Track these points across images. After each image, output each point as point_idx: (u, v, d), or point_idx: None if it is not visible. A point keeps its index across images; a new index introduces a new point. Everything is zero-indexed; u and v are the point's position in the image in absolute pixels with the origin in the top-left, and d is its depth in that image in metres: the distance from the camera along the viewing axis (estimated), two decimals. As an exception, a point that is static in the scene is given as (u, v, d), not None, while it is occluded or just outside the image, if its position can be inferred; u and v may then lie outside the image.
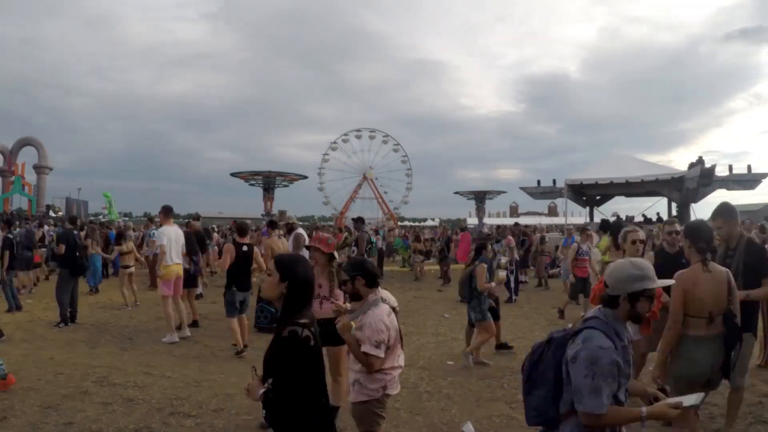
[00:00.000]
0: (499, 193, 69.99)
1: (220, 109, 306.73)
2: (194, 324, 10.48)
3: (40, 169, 47.27)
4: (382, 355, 3.86)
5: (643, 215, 28.09)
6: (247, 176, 64.36)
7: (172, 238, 9.60)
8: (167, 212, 9.92)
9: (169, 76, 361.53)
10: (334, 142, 71.23)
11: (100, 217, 42.32)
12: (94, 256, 15.45)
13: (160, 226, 10.05)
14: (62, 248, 10.72)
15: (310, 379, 2.79)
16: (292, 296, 2.85)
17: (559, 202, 38.16)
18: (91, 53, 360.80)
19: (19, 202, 42.77)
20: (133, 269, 13.28)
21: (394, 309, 4.16)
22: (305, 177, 66.71)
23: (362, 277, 4.08)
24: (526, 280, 17.95)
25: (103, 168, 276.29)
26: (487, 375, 7.39)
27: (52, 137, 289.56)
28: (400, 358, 4.18)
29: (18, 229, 14.57)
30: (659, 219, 26.46)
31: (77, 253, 10.96)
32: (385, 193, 72.08)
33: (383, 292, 4.18)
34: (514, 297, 14.04)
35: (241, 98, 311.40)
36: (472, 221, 60.86)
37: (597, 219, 29.66)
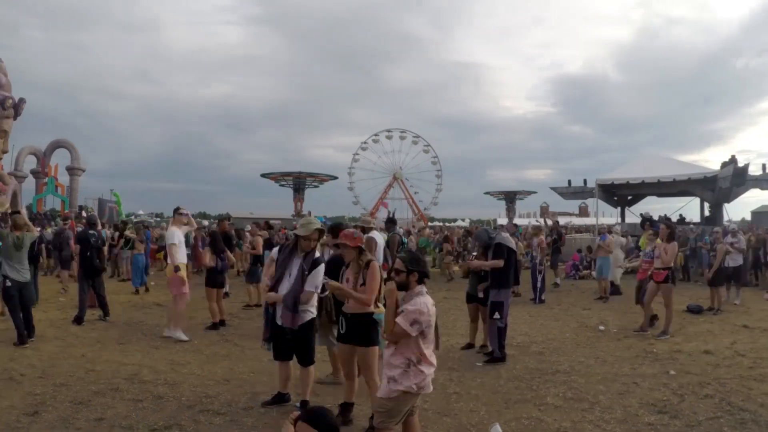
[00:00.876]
0: (529, 193, 69.69)
1: (258, 111, 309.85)
2: (222, 323, 10.58)
3: (72, 170, 48.01)
4: (413, 333, 4.07)
5: (681, 215, 27.72)
6: (278, 177, 64.80)
7: (181, 239, 9.82)
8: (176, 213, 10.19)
9: (211, 79, 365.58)
10: (365, 142, 71.35)
11: (132, 217, 42.89)
12: (137, 256, 15.66)
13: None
14: (77, 248, 10.81)
15: None
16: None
17: (590, 202, 37.80)
18: (134, 57, 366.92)
19: (52, 202, 43.60)
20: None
21: None
22: (335, 177, 66.97)
23: (417, 273, 4.31)
24: (558, 282, 17.73)
25: (140, 170, 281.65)
26: (516, 377, 7.33)
27: (92, 140, 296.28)
28: (432, 357, 4.27)
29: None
30: (681, 220, 26.11)
31: (89, 253, 10.93)
32: (416, 193, 71.90)
33: (429, 298, 4.34)
34: (541, 297, 13.91)
35: (279, 101, 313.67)
36: (502, 221, 60.51)
37: (628, 219, 29.33)
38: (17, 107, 39.76)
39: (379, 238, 11.26)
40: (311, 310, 5.96)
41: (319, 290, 5.91)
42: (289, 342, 5.93)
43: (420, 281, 4.32)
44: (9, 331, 9.18)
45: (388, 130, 70.90)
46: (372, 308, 5.49)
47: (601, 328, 10.32)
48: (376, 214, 61.50)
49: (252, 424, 5.66)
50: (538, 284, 14.03)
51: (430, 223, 57.52)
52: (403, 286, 4.33)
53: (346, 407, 5.76)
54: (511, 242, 8.41)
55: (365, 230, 11.47)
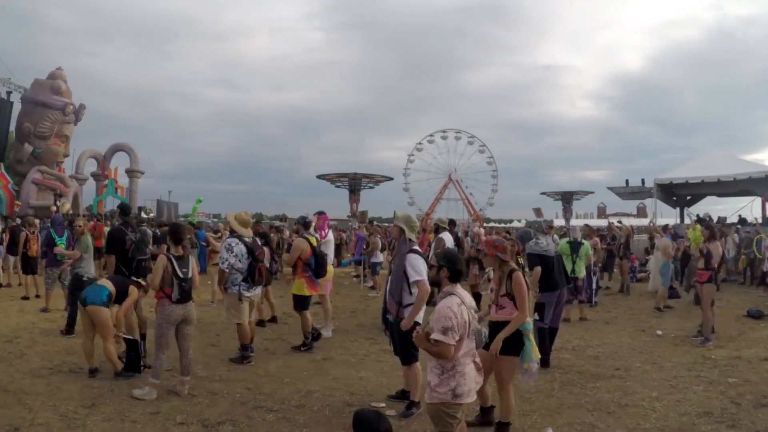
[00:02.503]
0: (586, 193, 68.40)
1: (330, 115, 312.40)
2: (273, 320, 10.95)
3: (131, 173, 49.28)
4: (452, 341, 3.93)
5: (740, 216, 26.84)
6: (333, 178, 65.13)
7: None
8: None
9: (287, 84, 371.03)
10: (420, 143, 71.04)
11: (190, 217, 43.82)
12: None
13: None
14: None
15: None
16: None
17: (648, 202, 36.83)
18: (216, 64, 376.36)
19: (112, 203, 44.64)
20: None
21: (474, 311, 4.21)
22: (391, 179, 66.94)
23: (448, 270, 4.25)
24: (607, 285, 17.37)
25: (208, 172, 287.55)
26: (570, 381, 7.23)
27: (165, 143, 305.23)
28: (468, 360, 4.14)
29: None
30: (742, 221, 25.23)
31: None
32: (471, 194, 71.33)
33: (461, 291, 4.23)
34: (594, 300, 13.67)
35: (352, 105, 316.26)
36: (559, 222, 59.59)
37: (687, 220, 28.57)
38: (77, 113, 41.17)
39: (449, 238, 11.33)
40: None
41: (424, 277, 5.80)
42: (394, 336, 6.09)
43: (452, 279, 4.25)
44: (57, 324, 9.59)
45: (443, 131, 70.36)
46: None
47: (659, 332, 10.10)
48: (432, 215, 61.23)
49: (304, 422, 5.72)
50: (594, 286, 13.77)
51: (485, 224, 57.13)
52: (436, 283, 4.39)
53: (485, 411, 5.77)
54: (542, 247, 8.26)
55: (438, 230, 11.56)
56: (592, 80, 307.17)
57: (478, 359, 4.26)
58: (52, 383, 6.79)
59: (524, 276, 5.61)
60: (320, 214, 10.54)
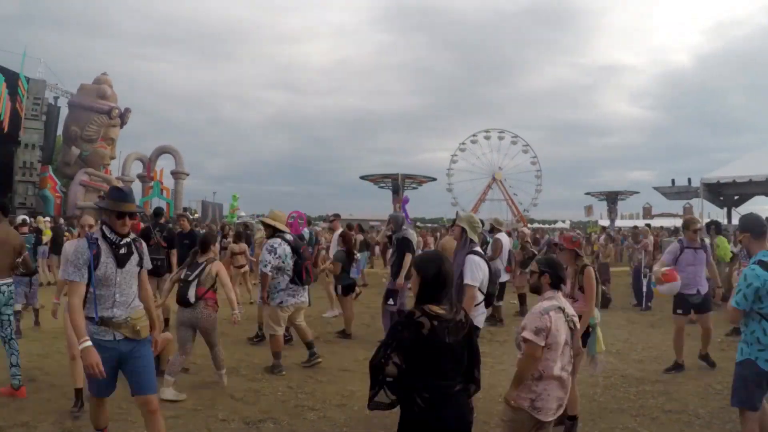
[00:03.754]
0: (631, 193, 67.03)
1: (386, 116, 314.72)
2: None
3: (177, 174, 50.08)
4: (541, 342, 3.81)
5: None
6: (377, 179, 65.28)
7: None
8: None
9: (347, 86, 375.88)
10: (463, 143, 70.50)
11: (236, 218, 44.43)
12: None
13: None
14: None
15: (413, 360, 3.06)
16: (423, 289, 3.20)
17: (695, 203, 36.07)
18: (278, 67, 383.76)
19: (158, 205, 45.45)
20: (246, 267, 13.79)
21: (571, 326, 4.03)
22: (434, 179, 66.68)
23: (549, 276, 4.13)
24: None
25: (260, 173, 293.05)
26: (613, 385, 7.11)
27: (221, 145, 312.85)
28: (555, 376, 3.93)
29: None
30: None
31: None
32: (515, 195, 70.56)
33: (563, 300, 4.13)
34: (647, 303, 13.40)
35: (408, 106, 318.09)
36: (604, 223, 58.56)
37: (735, 221, 27.87)
38: (123, 116, 42.01)
39: (506, 240, 11.28)
40: (479, 316, 5.79)
41: (476, 284, 5.67)
42: None
43: (553, 286, 4.13)
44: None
45: (487, 131, 69.78)
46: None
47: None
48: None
49: (344, 421, 5.74)
50: (644, 289, 13.46)
51: (529, 225, 56.54)
52: (536, 289, 4.24)
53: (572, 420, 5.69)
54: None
55: (494, 230, 11.52)
56: (641, 80, 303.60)
57: (566, 375, 4.02)
58: (98, 380, 6.91)
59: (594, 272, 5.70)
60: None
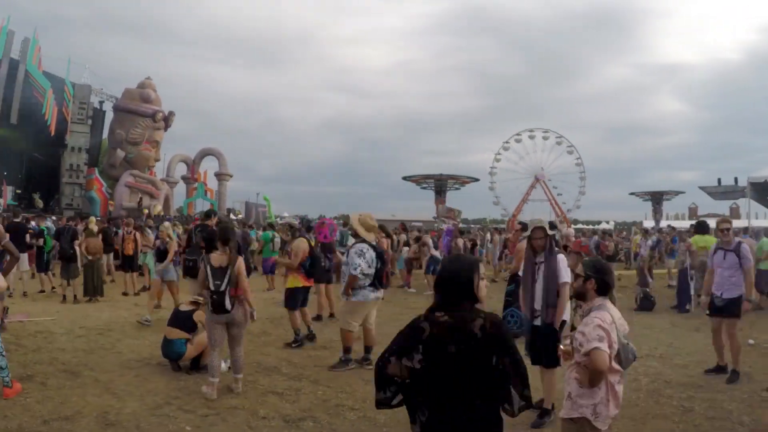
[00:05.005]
0: (677, 193, 65.91)
1: (442, 117, 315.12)
2: (332, 316, 11.15)
3: (220, 176, 50.76)
4: (607, 349, 3.57)
5: None
6: (419, 180, 65.28)
7: None
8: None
9: (405, 88, 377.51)
10: (507, 142, 69.42)
11: (278, 219, 44.86)
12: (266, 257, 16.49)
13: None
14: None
15: (420, 375, 2.87)
16: (437, 291, 3.01)
17: (742, 203, 35.25)
18: (337, 70, 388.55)
19: (202, 205, 46.03)
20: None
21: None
22: (477, 179, 66.45)
23: (596, 281, 3.87)
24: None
25: (309, 174, 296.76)
26: (656, 390, 6.97)
27: (275, 148, 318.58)
28: (613, 381, 3.83)
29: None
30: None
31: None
32: (559, 195, 69.37)
33: (612, 308, 3.86)
34: (688, 306, 13.11)
35: (467, 106, 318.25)
36: (649, 223, 57.43)
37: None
38: (167, 120, 42.71)
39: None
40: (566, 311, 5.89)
41: (569, 281, 5.65)
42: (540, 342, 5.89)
43: (600, 292, 3.86)
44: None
45: (531, 130, 68.61)
46: None
47: (751, 342, 9.60)
48: (518, 216, 59.97)
49: (384, 422, 5.74)
50: (691, 291, 13.13)
51: (573, 226, 55.72)
52: (580, 295, 3.98)
53: None
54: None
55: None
56: (698, 80, 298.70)
57: (619, 388, 3.89)
58: (141, 375, 7.08)
59: None
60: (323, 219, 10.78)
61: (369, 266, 7.55)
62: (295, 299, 8.97)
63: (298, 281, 9.05)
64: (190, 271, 9.60)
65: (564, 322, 5.84)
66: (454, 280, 2.94)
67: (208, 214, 10.73)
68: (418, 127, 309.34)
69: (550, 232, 6.01)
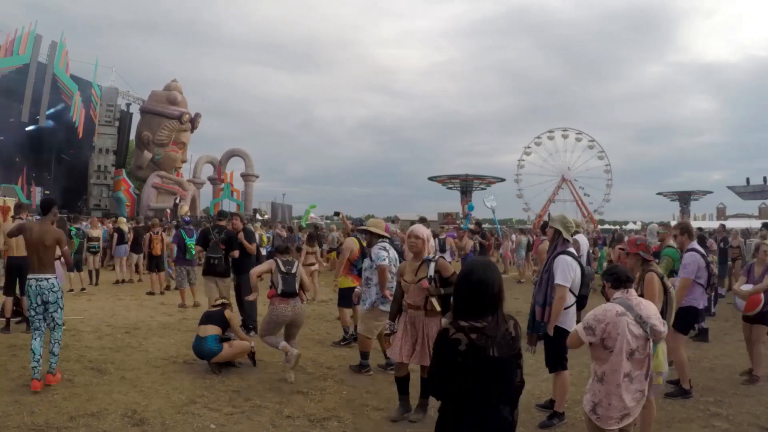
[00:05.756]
0: (705, 193, 64.95)
1: (479, 117, 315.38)
2: None
3: (246, 177, 51.28)
4: (583, 337, 3.92)
5: None
6: (445, 180, 65.11)
7: None
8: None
9: (442, 89, 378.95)
10: (528, 146, 68.74)
11: (306, 221, 45.26)
12: None
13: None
14: (198, 249, 10.93)
15: (449, 379, 2.81)
16: (457, 298, 2.92)
17: (772, 203, 34.77)
18: (376, 71, 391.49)
19: (228, 206, 46.48)
20: (316, 266, 14.20)
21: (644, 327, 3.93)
22: (503, 180, 66.04)
23: (610, 283, 4.17)
24: (722, 293, 16.31)
25: (340, 175, 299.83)
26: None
27: (308, 148, 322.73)
28: (624, 384, 3.86)
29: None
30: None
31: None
32: (586, 195, 68.39)
33: (635, 300, 4.02)
34: (713, 310, 12.91)
35: (501, 107, 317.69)
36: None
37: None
38: (193, 121, 43.16)
39: (584, 241, 11.09)
40: (568, 318, 5.71)
41: (566, 284, 5.59)
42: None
43: (614, 286, 4.13)
44: (174, 318, 9.98)
45: (550, 131, 67.84)
46: None
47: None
48: (544, 216, 59.21)
49: (408, 422, 5.72)
50: (716, 294, 12.90)
51: (600, 226, 55.09)
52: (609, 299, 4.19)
53: None
54: None
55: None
56: (733, 79, 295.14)
57: (635, 388, 3.91)
58: (167, 373, 7.15)
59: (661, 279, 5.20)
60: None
61: (393, 265, 7.22)
62: (348, 299, 8.94)
63: (350, 282, 9.05)
64: (213, 269, 9.68)
65: (566, 331, 5.53)
66: (481, 284, 2.86)
67: (222, 215, 10.76)
68: (453, 128, 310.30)
69: (562, 233, 5.90)
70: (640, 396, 3.93)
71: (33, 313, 6.47)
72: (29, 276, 6.52)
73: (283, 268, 7.14)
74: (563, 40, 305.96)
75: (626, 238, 11.34)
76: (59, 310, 6.58)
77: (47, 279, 6.48)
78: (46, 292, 6.41)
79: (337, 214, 19.02)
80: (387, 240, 7.63)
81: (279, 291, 7.05)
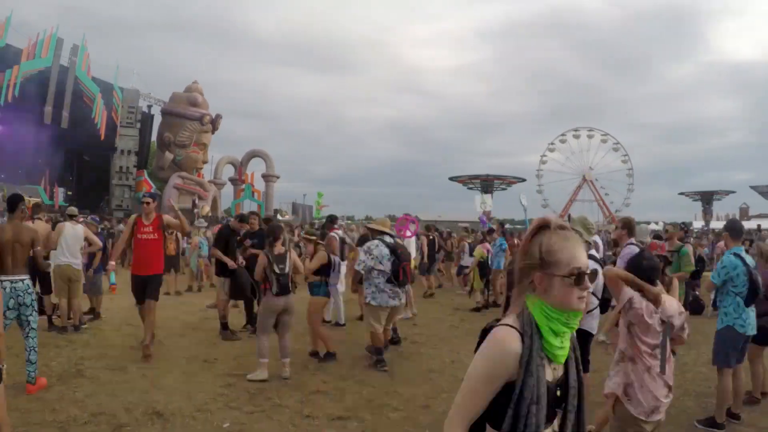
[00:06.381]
0: (727, 193, 63.99)
1: (507, 117, 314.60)
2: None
3: (267, 177, 51.50)
4: (628, 292, 3.90)
5: None
6: (465, 180, 64.87)
7: None
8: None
9: (471, 89, 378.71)
10: (552, 143, 68.21)
11: (320, 214, 45.38)
12: None
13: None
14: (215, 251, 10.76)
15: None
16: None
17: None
18: (403, 72, 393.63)
19: (249, 206, 46.68)
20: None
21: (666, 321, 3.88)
22: (523, 180, 65.59)
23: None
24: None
25: (363, 176, 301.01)
26: (705, 395, 6.69)
27: (336, 149, 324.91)
28: (660, 389, 3.81)
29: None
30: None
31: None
32: (606, 195, 67.63)
33: (666, 298, 3.96)
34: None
35: (532, 107, 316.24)
36: (698, 224, 55.75)
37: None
38: (214, 123, 43.41)
39: (600, 241, 10.96)
40: (591, 321, 5.65)
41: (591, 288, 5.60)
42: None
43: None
44: (196, 318, 9.99)
45: (575, 129, 67.22)
46: None
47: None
48: (565, 216, 58.49)
49: (428, 423, 5.65)
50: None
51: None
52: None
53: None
54: None
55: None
56: (755, 78, 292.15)
57: (664, 379, 3.86)
58: (187, 372, 7.15)
59: None
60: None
61: (380, 263, 7.69)
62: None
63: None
64: (227, 269, 9.58)
65: (590, 334, 5.69)
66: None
67: (241, 218, 10.64)
68: (481, 128, 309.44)
69: (582, 235, 5.79)
70: (667, 392, 3.86)
71: (5, 317, 5.87)
72: (2, 278, 6.09)
73: (276, 269, 7.01)
74: (594, 39, 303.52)
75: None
76: (34, 312, 6.25)
77: (22, 280, 6.19)
78: (22, 294, 6.11)
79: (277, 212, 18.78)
80: (387, 235, 8.06)
81: (274, 292, 6.96)
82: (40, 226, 8.96)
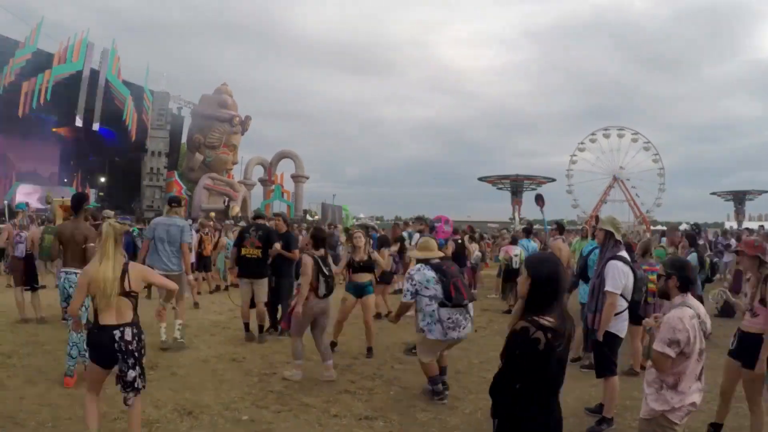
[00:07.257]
0: (760, 193, 62.78)
1: (545, 117, 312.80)
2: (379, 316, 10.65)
3: (296, 178, 51.72)
4: (672, 354, 3.60)
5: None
6: (495, 180, 64.51)
7: None
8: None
9: (508, 89, 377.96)
10: (582, 143, 67.03)
11: (354, 220, 45.52)
12: None
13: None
14: (233, 252, 10.63)
15: (532, 382, 2.82)
16: (534, 294, 2.88)
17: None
18: (444, 72, 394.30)
19: (279, 207, 46.94)
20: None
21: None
22: (553, 180, 64.97)
23: (677, 279, 3.85)
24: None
25: (394, 176, 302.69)
26: (737, 398, 6.59)
27: (369, 150, 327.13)
28: (693, 382, 3.75)
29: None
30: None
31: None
32: (637, 195, 66.41)
33: (694, 302, 3.83)
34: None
35: (570, 107, 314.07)
36: (730, 224, 54.70)
37: None
38: (243, 124, 43.70)
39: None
40: (619, 324, 5.59)
41: (617, 291, 5.43)
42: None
43: (682, 288, 3.83)
44: (224, 317, 10.06)
45: (606, 129, 66.07)
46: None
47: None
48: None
49: (455, 424, 5.64)
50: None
51: (652, 227, 53.71)
52: (664, 294, 3.98)
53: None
54: None
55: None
56: None
57: (699, 388, 3.80)
58: (216, 371, 7.18)
59: None
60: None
61: (426, 287, 6.24)
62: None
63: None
64: (248, 270, 9.27)
65: (618, 337, 5.60)
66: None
67: (257, 215, 10.60)
68: (517, 129, 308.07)
69: (614, 234, 5.71)
70: (701, 393, 3.81)
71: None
72: (62, 270, 6.77)
73: (325, 270, 6.96)
74: (634, 39, 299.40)
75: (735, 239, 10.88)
76: (81, 307, 6.03)
77: (76, 273, 6.42)
78: (73, 286, 6.25)
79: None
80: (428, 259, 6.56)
81: (321, 294, 6.85)
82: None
